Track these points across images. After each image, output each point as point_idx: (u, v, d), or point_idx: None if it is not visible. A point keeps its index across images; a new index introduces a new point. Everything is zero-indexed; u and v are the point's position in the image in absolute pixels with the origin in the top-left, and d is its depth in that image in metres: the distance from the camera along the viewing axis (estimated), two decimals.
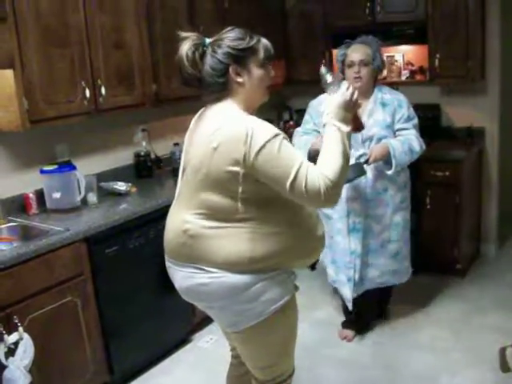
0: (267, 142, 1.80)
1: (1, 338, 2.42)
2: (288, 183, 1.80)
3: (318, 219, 2.06)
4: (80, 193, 3.20)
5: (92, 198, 3.28)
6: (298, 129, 3.45)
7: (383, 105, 3.22)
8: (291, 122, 5.12)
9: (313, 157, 2.97)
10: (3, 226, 3.00)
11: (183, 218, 1.97)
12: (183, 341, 3.55)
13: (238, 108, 1.94)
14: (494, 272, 4.32)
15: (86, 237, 2.86)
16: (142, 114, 3.80)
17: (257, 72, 1.96)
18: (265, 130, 1.83)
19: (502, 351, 3.02)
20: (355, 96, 1.97)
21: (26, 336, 2.48)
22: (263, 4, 4.43)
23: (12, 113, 2.83)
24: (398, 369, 3.17)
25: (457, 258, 4.16)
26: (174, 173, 3.80)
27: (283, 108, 5.27)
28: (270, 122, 1.93)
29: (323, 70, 2.05)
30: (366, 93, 3.22)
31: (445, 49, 4.13)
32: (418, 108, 3.43)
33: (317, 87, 2.13)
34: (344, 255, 3.28)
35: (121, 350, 3.07)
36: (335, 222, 3.27)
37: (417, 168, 3.68)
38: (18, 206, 3.16)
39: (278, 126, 4.79)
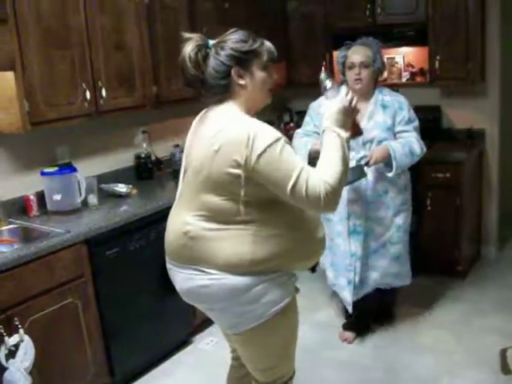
0: (269, 145, 1.80)
1: (1, 339, 2.42)
2: (289, 187, 1.80)
3: (318, 221, 2.06)
4: (80, 195, 3.20)
5: (92, 199, 3.28)
6: (299, 130, 3.45)
7: (384, 107, 3.22)
8: (292, 124, 5.12)
9: (313, 158, 2.99)
10: (4, 227, 3.00)
11: (184, 220, 1.97)
12: (184, 342, 3.55)
13: (240, 110, 1.94)
14: (494, 274, 4.31)
15: (87, 239, 2.86)
16: (143, 115, 3.80)
17: (259, 75, 1.96)
18: (267, 133, 1.83)
19: (503, 353, 3.03)
20: (354, 102, 1.98)
21: (26, 338, 2.49)
22: (264, 5, 4.44)
23: (13, 115, 2.83)
24: (399, 371, 3.17)
25: (457, 260, 4.16)
26: (175, 174, 3.80)
27: (284, 110, 5.27)
28: (271, 123, 1.93)
29: (322, 75, 2.06)
30: (367, 95, 3.23)
31: (445, 51, 4.14)
32: (418, 110, 3.43)
33: (317, 89, 2.13)
34: (344, 258, 3.28)
35: (121, 351, 3.07)
36: (335, 225, 3.27)
37: (417, 170, 3.68)
38: (19, 207, 3.16)
39: (278, 127, 4.79)
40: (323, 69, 2.18)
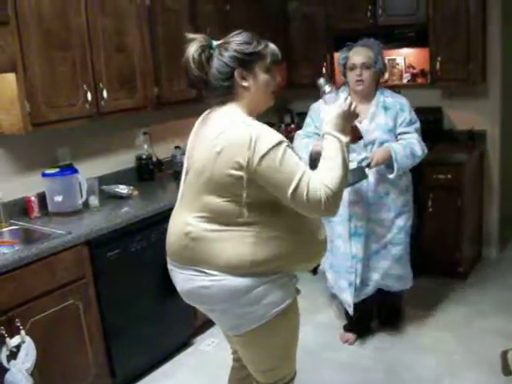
0: (271, 148, 1.80)
1: (3, 341, 2.42)
2: (290, 191, 1.80)
3: (320, 223, 2.06)
4: (82, 196, 3.20)
5: (94, 201, 3.28)
6: (299, 132, 3.44)
7: (385, 108, 3.21)
8: (292, 125, 5.12)
9: (314, 159, 2.99)
10: (5, 229, 3.01)
11: (185, 221, 1.97)
12: (185, 344, 3.55)
13: (242, 112, 1.94)
14: (495, 275, 4.31)
15: (88, 240, 2.86)
16: (144, 117, 3.80)
17: (262, 77, 1.96)
18: (269, 136, 1.83)
19: (504, 354, 3.01)
20: (353, 106, 1.98)
21: (27, 339, 2.49)
22: (265, 6, 4.44)
23: (14, 116, 2.84)
24: (400, 372, 3.17)
25: (459, 261, 4.15)
26: (176, 176, 3.81)
27: (285, 111, 5.27)
28: (272, 125, 1.94)
29: (321, 81, 2.07)
30: (368, 96, 3.22)
31: (446, 52, 4.13)
32: (419, 111, 3.42)
33: (318, 90, 2.13)
34: (345, 260, 3.27)
35: (123, 353, 3.07)
36: (336, 226, 3.26)
37: (419, 171, 3.68)
38: (20, 209, 3.17)
39: (279, 129, 4.79)
40: (322, 73, 2.19)
